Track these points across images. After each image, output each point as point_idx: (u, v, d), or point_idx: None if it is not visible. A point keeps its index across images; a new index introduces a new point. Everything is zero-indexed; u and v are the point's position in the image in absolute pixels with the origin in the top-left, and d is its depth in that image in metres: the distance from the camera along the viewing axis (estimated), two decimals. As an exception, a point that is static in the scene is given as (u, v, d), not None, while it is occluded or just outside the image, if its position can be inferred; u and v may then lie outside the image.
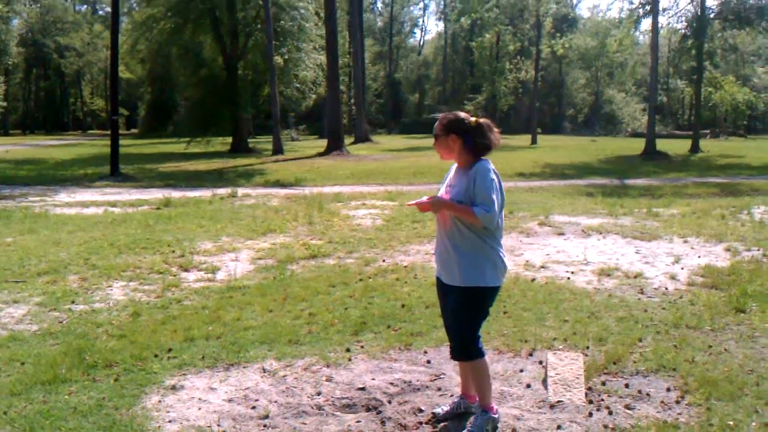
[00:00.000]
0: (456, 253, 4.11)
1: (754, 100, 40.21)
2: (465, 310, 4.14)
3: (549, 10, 47.67)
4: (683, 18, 38.10)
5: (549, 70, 69.71)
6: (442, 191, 4.23)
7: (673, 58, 42.56)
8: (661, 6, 35.25)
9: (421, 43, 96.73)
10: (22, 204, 15.68)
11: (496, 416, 4.22)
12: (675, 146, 37.51)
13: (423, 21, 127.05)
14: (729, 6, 35.80)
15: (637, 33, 46.83)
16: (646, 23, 39.86)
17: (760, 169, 26.59)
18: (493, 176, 4.04)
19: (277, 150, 34.00)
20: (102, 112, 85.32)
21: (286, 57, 37.47)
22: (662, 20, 36.48)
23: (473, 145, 4.12)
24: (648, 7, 35.47)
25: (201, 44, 39.40)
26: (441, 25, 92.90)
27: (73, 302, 7.17)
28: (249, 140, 40.29)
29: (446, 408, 4.44)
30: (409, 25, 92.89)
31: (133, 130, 72.06)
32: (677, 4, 38.53)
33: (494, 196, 3.97)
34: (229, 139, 38.57)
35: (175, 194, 17.25)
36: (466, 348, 4.18)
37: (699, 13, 35.82)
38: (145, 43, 41.11)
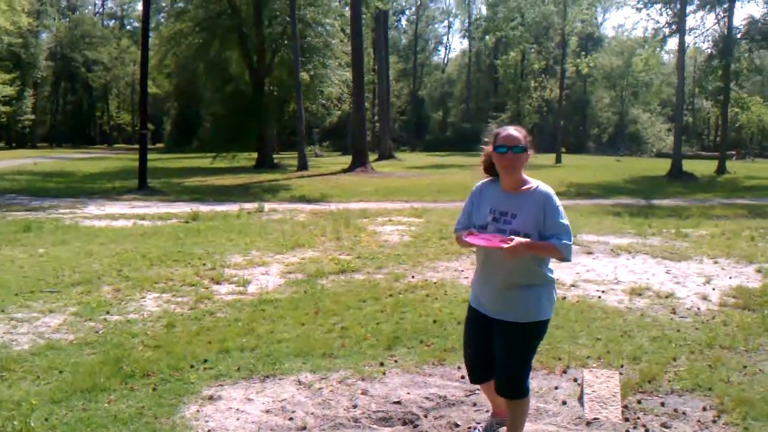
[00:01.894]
0: (524, 289, 3.82)
1: (780, 122, 39.92)
2: (525, 347, 3.90)
3: (574, 29, 47.82)
4: (709, 38, 37.98)
5: (573, 89, 69.67)
6: (488, 220, 3.82)
7: (698, 78, 42.30)
8: (687, 25, 35.01)
9: (445, 60, 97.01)
10: (52, 216, 15.88)
11: None
12: (701, 167, 37.24)
13: (447, 39, 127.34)
14: (756, 26, 35.63)
15: (663, 53, 46.73)
16: (672, 43, 39.72)
17: (788, 191, 26.36)
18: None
19: (302, 166, 34.17)
20: (128, 126, 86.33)
21: (312, 73, 37.75)
22: (688, 39, 36.29)
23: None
24: (674, 27, 35.40)
25: (228, 60, 39.80)
26: (465, 43, 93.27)
27: (107, 312, 7.26)
28: (274, 156, 40.55)
29: (480, 431, 4.39)
30: (433, 42, 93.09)
31: (159, 145, 72.71)
32: (704, 24, 38.32)
33: (568, 223, 3.76)
34: (254, 155, 38.86)
35: (203, 208, 17.39)
36: (519, 386, 3.93)
37: (725, 33, 35.67)
38: (173, 58, 41.61)
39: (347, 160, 37.55)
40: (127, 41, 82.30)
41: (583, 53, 49.69)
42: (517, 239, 3.58)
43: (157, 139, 79.03)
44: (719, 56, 35.68)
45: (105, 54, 77.36)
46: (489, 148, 3.90)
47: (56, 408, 4.73)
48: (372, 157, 40.93)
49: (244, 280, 8.84)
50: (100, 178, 28.47)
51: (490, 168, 3.96)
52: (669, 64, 60.89)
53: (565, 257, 3.70)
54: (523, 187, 3.83)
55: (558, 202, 3.77)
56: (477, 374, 4.18)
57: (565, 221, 3.74)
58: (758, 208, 19.80)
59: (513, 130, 3.82)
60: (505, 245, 3.56)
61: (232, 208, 17.76)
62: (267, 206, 18.14)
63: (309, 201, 20.72)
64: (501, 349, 3.91)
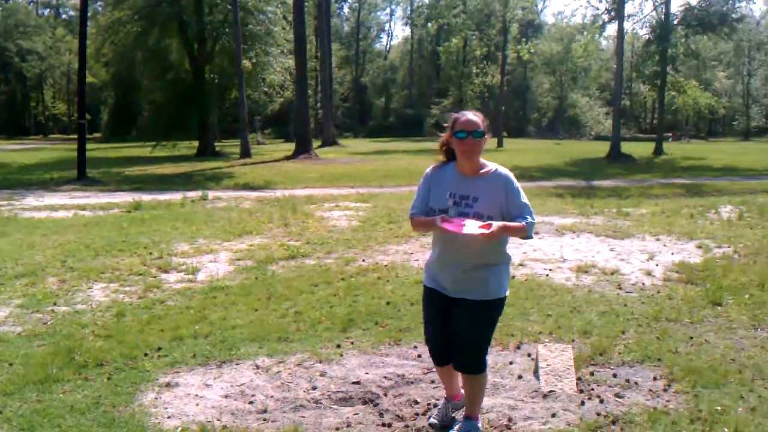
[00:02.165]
0: (486, 268, 3.89)
1: (715, 105, 40.92)
2: (487, 323, 3.98)
3: (515, 16, 48.34)
4: (647, 24, 38.73)
5: (514, 74, 70.42)
6: (448, 204, 3.84)
7: (636, 63, 43.17)
8: (626, 12, 35.66)
9: (388, 47, 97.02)
10: (-11, 208, 15.44)
11: (479, 425, 4.14)
12: (638, 149, 38.07)
13: (389, 26, 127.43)
14: (692, 12, 36.48)
15: (602, 38, 47.51)
16: (611, 29, 40.41)
17: (722, 171, 27.13)
18: None
19: (245, 153, 33.87)
20: (64, 116, 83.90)
21: (254, 61, 37.37)
22: (627, 26, 37.00)
23: None
24: (613, 13, 36.01)
25: (167, 48, 39.07)
26: (407, 30, 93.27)
27: (54, 304, 7.12)
28: (215, 144, 40.06)
29: (438, 417, 4.31)
30: (375, 30, 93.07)
31: (96, 135, 70.99)
32: (642, 11, 39.05)
33: (528, 202, 3.85)
34: (195, 143, 38.33)
35: (145, 197, 17.08)
36: (479, 361, 4.01)
37: (663, 19, 36.42)
38: (111, 47, 40.66)
39: (290, 147, 37.33)
40: (62, 30, 79.90)
41: (523, 40, 50.25)
42: (496, 224, 3.62)
43: (93, 128, 77.05)
44: (657, 42, 36.41)
45: (40, 43, 75.07)
46: (447, 134, 3.91)
47: (9, 400, 4.63)
48: (315, 143, 40.76)
49: (193, 268, 8.74)
50: (37, 168, 27.74)
51: (448, 151, 3.97)
52: (607, 50, 61.97)
53: (528, 235, 3.77)
54: (482, 171, 3.87)
55: (517, 182, 3.85)
56: (441, 355, 4.18)
57: (526, 200, 3.83)
58: (695, 187, 20.35)
59: (472, 115, 3.84)
60: (486, 231, 3.58)
61: (175, 196, 17.50)
62: (211, 194, 17.94)
63: (253, 188, 20.54)
64: (463, 326, 3.94)
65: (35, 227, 12.36)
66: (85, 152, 22.73)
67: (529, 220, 3.76)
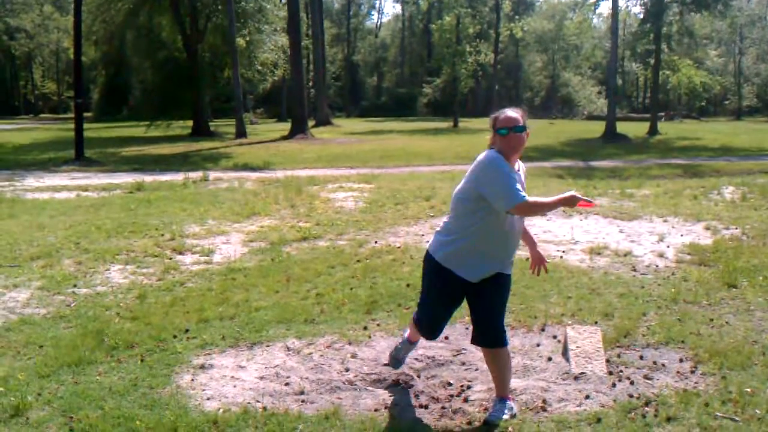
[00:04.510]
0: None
1: (710, 83, 40.92)
2: (508, 295, 4.32)
3: (509, -7, 48.13)
4: (641, 1, 38.60)
5: (506, 53, 70.23)
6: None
7: (629, 42, 43.09)
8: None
9: (378, 25, 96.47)
10: (-9, 189, 15.41)
11: (514, 405, 4.20)
12: (632, 129, 38.05)
13: (380, 3, 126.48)
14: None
15: (594, 16, 47.44)
16: (604, 7, 40.39)
17: (717, 151, 27.17)
18: None
19: (240, 133, 33.81)
20: (53, 95, 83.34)
21: (248, 39, 37.16)
22: (620, 3, 36.92)
23: None
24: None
25: (159, 26, 38.77)
26: (398, 7, 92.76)
27: (75, 286, 7.17)
28: (209, 123, 39.91)
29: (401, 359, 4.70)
30: (366, 7, 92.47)
31: (86, 114, 70.37)
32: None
33: None
34: (189, 123, 38.16)
35: (146, 178, 17.06)
36: (503, 331, 4.24)
37: (658, -3, 36.36)
38: (102, 24, 40.32)
39: (284, 127, 37.27)
40: (50, 8, 79.11)
41: (516, 17, 50.06)
42: None
43: (84, 107, 76.41)
44: (651, 19, 36.34)
45: (27, 21, 74.38)
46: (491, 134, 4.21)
47: (45, 382, 4.68)
48: (309, 123, 40.65)
49: (208, 250, 8.80)
50: (33, 149, 27.65)
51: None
52: (599, 28, 61.90)
53: None
54: (515, 165, 4.20)
55: None
56: (438, 331, 4.46)
57: None
58: (693, 168, 20.46)
59: (511, 112, 4.17)
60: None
61: (176, 177, 17.50)
62: (211, 175, 17.93)
63: (253, 169, 20.56)
64: (493, 303, 4.19)
65: (42, 208, 12.37)
66: (82, 132, 22.70)
67: None
